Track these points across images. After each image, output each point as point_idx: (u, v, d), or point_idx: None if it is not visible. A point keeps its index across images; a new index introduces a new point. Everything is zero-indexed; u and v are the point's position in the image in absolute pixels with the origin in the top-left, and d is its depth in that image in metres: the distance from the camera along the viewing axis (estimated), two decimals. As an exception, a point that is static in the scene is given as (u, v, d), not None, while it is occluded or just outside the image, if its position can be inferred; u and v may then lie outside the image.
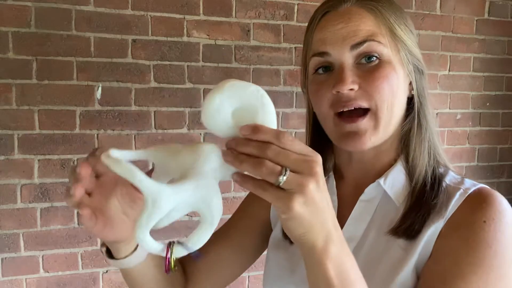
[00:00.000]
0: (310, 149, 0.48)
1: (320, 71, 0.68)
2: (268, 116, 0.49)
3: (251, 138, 0.48)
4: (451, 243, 0.61)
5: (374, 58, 0.65)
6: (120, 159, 0.45)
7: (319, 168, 0.47)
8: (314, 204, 0.46)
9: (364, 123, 0.65)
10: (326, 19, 0.67)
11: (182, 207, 0.48)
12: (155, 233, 0.45)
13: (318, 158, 0.47)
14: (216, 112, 0.49)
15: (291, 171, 0.46)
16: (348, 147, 0.67)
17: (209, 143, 0.51)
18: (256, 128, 0.48)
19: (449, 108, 2.32)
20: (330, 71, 0.67)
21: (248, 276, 2.03)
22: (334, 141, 0.70)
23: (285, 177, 0.45)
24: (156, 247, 0.47)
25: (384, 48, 0.65)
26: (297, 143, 0.47)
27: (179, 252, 0.49)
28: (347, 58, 0.65)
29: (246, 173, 0.49)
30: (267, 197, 0.47)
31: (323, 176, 0.48)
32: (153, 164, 0.54)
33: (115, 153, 0.46)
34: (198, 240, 0.48)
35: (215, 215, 0.48)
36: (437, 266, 0.60)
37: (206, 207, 0.48)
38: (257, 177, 0.48)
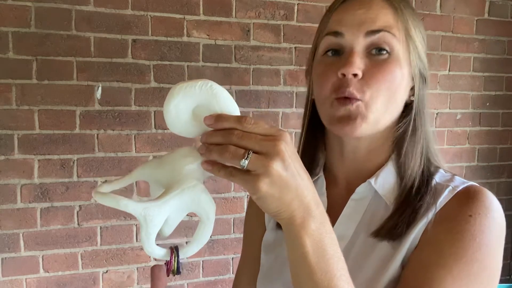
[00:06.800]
0: (276, 128, 0.49)
1: (330, 53, 0.68)
2: (224, 104, 0.50)
3: (216, 127, 0.49)
4: (436, 235, 0.61)
5: (385, 51, 0.65)
6: (106, 192, 0.49)
7: (284, 146, 0.47)
8: (282, 182, 0.47)
9: (355, 107, 0.64)
10: (348, 3, 0.68)
11: (176, 213, 0.52)
12: (162, 239, 0.49)
13: (283, 137, 0.48)
14: (176, 118, 0.51)
15: (256, 152, 0.47)
16: (340, 132, 0.67)
17: (185, 147, 0.53)
18: (218, 117, 0.49)
19: (449, 108, 2.32)
20: (339, 55, 0.67)
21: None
22: (327, 125, 0.69)
23: (247, 160, 0.46)
24: (164, 254, 0.52)
25: (397, 43, 0.65)
26: (261, 125, 0.48)
27: (186, 253, 0.53)
28: (360, 43, 0.65)
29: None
30: (235, 181, 0.49)
31: (294, 153, 0.49)
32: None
33: (103, 188, 0.51)
34: (202, 236, 0.52)
35: (208, 211, 0.52)
36: (421, 255, 0.61)
37: (197, 206, 0.51)
38: (227, 163, 0.49)
